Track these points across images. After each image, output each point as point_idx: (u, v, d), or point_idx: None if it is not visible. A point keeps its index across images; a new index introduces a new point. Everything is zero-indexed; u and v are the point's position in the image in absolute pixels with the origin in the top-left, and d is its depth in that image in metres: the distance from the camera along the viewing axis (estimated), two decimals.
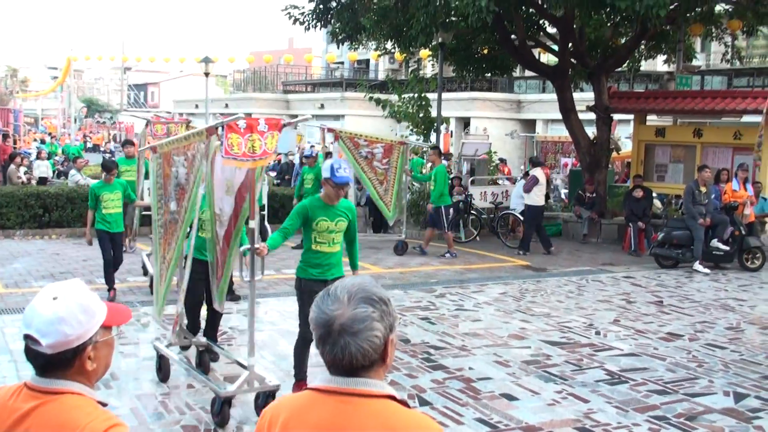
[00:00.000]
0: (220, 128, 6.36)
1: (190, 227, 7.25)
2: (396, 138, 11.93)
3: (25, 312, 2.37)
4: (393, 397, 2.22)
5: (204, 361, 7.96)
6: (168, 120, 12.88)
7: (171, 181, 7.10)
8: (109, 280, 11.36)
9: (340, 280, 2.30)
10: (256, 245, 6.63)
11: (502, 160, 26.50)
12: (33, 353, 2.35)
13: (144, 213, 13.97)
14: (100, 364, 2.44)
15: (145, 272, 12.56)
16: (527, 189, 17.10)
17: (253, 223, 6.60)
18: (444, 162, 17.42)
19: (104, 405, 2.42)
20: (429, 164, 18.40)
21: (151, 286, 11.60)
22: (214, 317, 8.26)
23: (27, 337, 2.33)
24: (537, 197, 16.99)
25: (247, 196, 6.65)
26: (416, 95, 20.36)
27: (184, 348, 8.23)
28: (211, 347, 8.03)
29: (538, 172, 17.22)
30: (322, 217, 6.91)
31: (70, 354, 2.34)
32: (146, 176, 12.90)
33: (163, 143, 7.29)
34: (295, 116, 48.36)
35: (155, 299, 7.48)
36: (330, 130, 11.47)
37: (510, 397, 7.49)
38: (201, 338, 8.10)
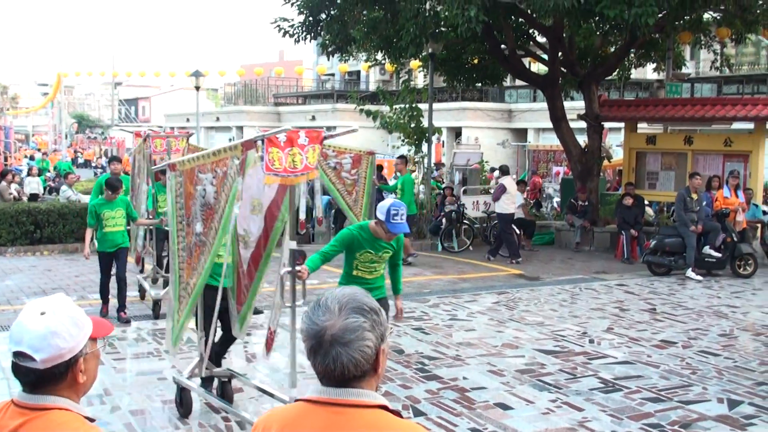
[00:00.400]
0: (260, 142, 6.01)
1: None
2: (364, 149, 11.86)
3: (12, 330, 2.35)
4: (385, 407, 2.22)
5: (227, 392, 7.44)
6: (168, 134, 12.60)
7: (196, 200, 6.55)
8: (104, 297, 11.12)
9: (330, 291, 2.29)
10: (297, 267, 6.29)
11: (493, 170, 26.54)
12: (24, 370, 2.33)
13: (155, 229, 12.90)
14: (90, 377, 2.44)
15: (143, 296, 12.28)
16: (496, 197, 17.28)
17: (293, 244, 6.28)
18: (410, 172, 17.51)
19: (92, 420, 2.41)
20: (396, 173, 18.40)
21: (151, 302, 11.48)
22: (228, 342, 7.74)
23: (18, 354, 2.32)
24: (506, 205, 17.16)
25: (279, 215, 6.35)
26: (408, 106, 20.41)
27: (206, 380, 7.41)
28: (235, 376, 7.47)
29: (506, 181, 17.53)
30: (368, 250, 6.73)
31: (63, 367, 2.33)
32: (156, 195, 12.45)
33: (185, 160, 6.76)
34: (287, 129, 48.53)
35: (170, 329, 6.78)
36: None
37: (504, 407, 7.48)
38: (224, 368, 7.58)
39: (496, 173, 22.36)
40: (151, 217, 12.05)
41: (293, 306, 6.31)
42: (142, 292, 12.37)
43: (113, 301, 11.12)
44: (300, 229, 6.21)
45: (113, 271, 11.05)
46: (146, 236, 12.51)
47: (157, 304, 11.17)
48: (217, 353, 7.58)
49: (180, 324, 6.72)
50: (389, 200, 6.81)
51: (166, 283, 11.96)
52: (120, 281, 10.96)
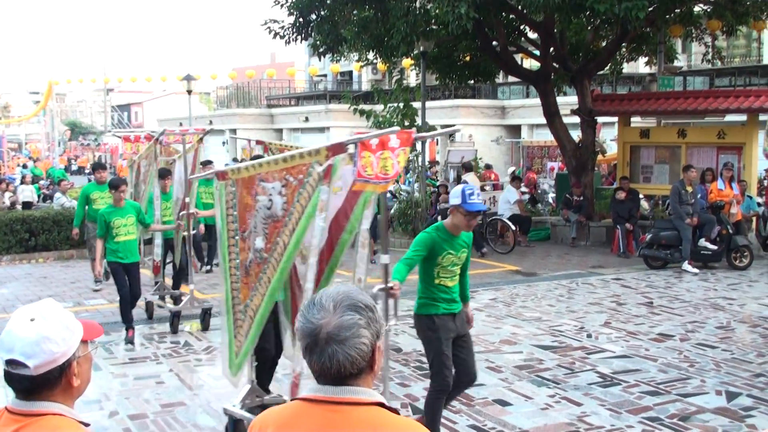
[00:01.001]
0: (352, 146, 5.36)
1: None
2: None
3: (1, 338, 2.33)
4: (382, 405, 2.21)
5: None
6: (183, 131, 11.88)
7: (257, 212, 5.87)
8: (127, 318, 9.80)
9: (324, 289, 2.28)
10: (389, 284, 5.70)
11: (488, 166, 26.56)
12: (17, 377, 2.33)
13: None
14: (83, 380, 2.43)
15: (150, 315, 11.18)
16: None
17: (386, 258, 5.74)
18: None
19: (86, 425, 2.40)
20: None
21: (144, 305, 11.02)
22: (275, 364, 7.19)
23: (10, 362, 2.31)
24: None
25: (347, 226, 5.63)
26: (401, 104, 20.40)
27: (255, 409, 6.50)
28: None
29: (470, 177, 17.85)
30: (449, 251, 6.11)
31: (57, 372, 2.33)
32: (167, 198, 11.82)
33: (242, 167, 6.09)
34: (280, 130, 48.54)
35: (228, 355, 6.18)
36: (259, 142, 11.22)
37: (503, 403, 7.47)
38: (275, 395, 6.95)
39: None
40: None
41: (387, 326, 5.57)
42: (150, 311, 11.25)
43: (109, 307, 11.04)
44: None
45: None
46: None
47: (177, 316, 10.37)
48: (265, 376, 7.05)
49: (244, 350, 6.11)
50: (458, 186, 6.22)
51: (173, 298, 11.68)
52: (134, 299, 10.00)
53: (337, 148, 5.32)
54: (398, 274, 5.89)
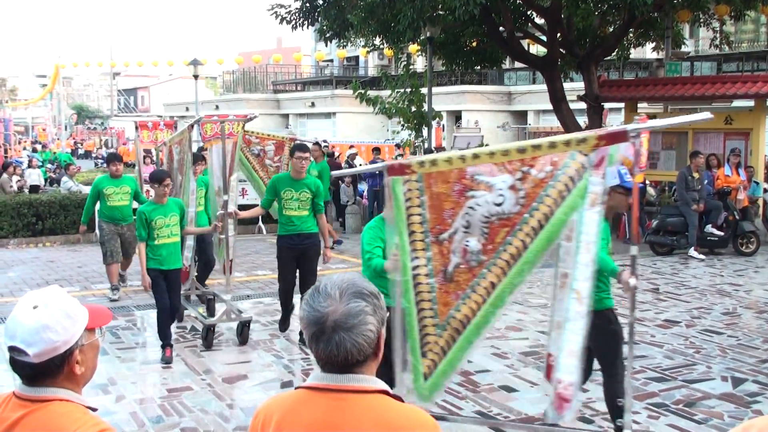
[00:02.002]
0: (635, 135, 4.63)
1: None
2: (287, 135, 11.64)
3: (6, 324, 2.35)
4: (386, 392, 2.22)
5: None
6: (221, 117, 11.09)
7: (473, 212, 5.01)
8: (164, 334, 8.53)
9: (327, 277, 2.29)
10: (632, 280, 5.02)
11: None
12: (20, 364, 2.34)
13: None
14: (88, 367, 2.43)
15: (180, 317, 9.99)
16: None
17: (635, 249, 5.10)
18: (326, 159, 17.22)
19: (94, 410, 2.41)
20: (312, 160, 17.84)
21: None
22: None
23: (12, 348, 2.33)
24: None
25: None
26: (408, 90, 20.34)
27: None
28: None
29: None
30: (604, 238, 5.90)
31: (59, 360, 2.33)
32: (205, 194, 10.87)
33: (439, 159, 5.17)
34: (286, 116, 48.51)
35: (413, 372, 5.19)
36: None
37: (509, 389, 7.49)
38: None
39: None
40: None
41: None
42: (179, 315, 9.95)
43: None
44: None
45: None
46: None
47: (210, 330, 9.08)
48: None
49: (442, 369, 5.14)
50: (612, 168, 5.36)
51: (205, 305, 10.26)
52: (173, 313, 8.82)
53: (618, 136, 4.66)
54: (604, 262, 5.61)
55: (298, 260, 9.02)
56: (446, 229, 5.09)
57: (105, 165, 10.78)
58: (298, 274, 9.11)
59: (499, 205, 4.96)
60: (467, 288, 5.06)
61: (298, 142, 9.60)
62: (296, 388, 2.31)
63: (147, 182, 10.90)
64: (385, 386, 2.22)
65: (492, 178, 4.97)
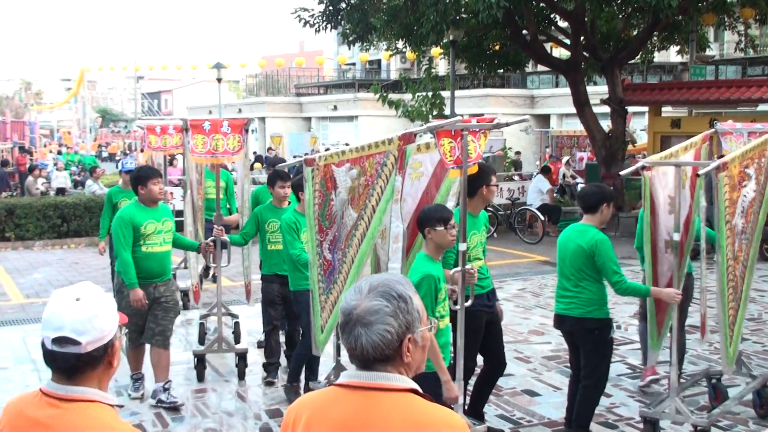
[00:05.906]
0: (428, 135, 5.47)
1: None
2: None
3: (47, 317, 2.35)
4: (416, 391, 2.23)
5: None
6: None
7: (335, 194, 5.72)
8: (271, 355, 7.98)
9: (372, 275, 2.35)
10: (468, 266, 5.58)
11: (518, 153, 26.42)
12: (62, 356, 2.33)
13: None
14: (118, 362, 2.47)
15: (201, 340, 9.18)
16: None
17: (463, 246, 5.50)
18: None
19: (120, 407, 2.44)
20: None
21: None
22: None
23: (59, 340, 2.32)
24: None
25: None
26: (430, 93, 20.34)
27: None
28: None
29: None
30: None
31: (102, 350, 2.37)
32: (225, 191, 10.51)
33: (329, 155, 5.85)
34: (308, 119, 48.60)
35: (314, 332, 6.17)
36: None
37: (532, 393, 7.48)
38: None
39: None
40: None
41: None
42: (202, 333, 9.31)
43: None
44: None
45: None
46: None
47: (243, 359, 8.13)
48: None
49: (328, 327, 6.00)
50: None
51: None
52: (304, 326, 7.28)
53: (408, 137, 5.21)
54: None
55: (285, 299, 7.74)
56: (330, 210, 5.81)
57: (133, 186, 7.14)
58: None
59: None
60: (341, 264, 5.78)
61: (278, 169, 8.24)
62: (329, 385, 2.33)
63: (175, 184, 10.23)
64: (414, 385, 2.24)
65: (340, 169, 5.66)
